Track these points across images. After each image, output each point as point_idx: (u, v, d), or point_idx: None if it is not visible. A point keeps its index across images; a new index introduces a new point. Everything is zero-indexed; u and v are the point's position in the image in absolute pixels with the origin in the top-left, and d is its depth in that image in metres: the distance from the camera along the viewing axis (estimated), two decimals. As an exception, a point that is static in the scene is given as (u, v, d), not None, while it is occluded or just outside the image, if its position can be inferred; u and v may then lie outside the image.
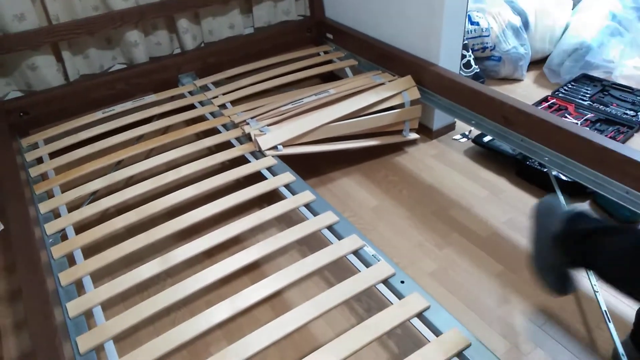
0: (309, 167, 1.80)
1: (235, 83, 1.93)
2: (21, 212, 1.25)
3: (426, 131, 1.93)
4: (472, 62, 2.19)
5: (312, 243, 1.46)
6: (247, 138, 1.61)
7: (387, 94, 1.73)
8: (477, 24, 2.23)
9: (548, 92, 2.14)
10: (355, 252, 1.16)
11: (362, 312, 1.25)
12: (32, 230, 1.18)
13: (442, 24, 1.66)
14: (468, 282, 1.31)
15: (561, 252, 1.00)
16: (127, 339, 1.22)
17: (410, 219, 1.54)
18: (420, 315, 0.99)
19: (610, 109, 1.96)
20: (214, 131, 1.69)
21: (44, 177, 1.51)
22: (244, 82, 1.94)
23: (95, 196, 1.47)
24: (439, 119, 1.90)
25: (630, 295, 0.91)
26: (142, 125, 1.70)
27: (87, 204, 1.43)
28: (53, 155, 1.60)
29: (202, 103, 1.85)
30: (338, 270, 1.37)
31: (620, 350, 1.02)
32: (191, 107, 1.84)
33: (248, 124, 1.65)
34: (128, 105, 1.84)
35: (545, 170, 1.56)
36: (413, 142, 1.91)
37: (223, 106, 1.81)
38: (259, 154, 1.54)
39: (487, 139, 1.79)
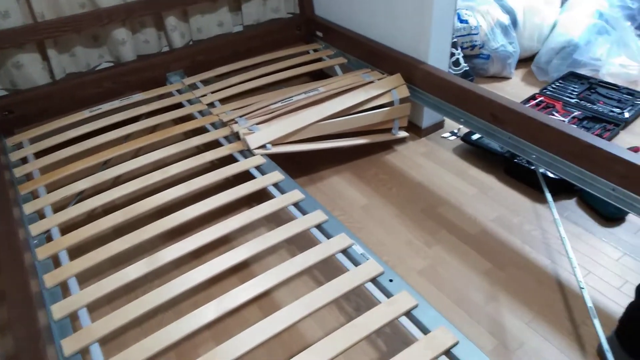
0: (299, 165, 1.80)
1: (224, 81, 1.92)
2: (5, 213, 1.23)
3: (415, 129, 1.93)
4: (461, 60, 2.19)
5: (301, 242, 1.46)
6: (236, 137, 1.60)
7: (377, 92, 1.73)
8: (466, 22, 2.23)
9: (536, 90, 2.16)
10: (344, 251, 1.15)
11: (351, 311, 1.25)
12: (16, 232, 1.16)
13: (431, 22, 1.66)
14: (457, 280, 1.32)
15: None
16: (113, 341, 1.21)
17: (399, 217, 1.54)
18: (408, 314, 0.99)
19: (597, 107, 1.97)
20: (202, 130, 1.67)
21: (28, 177, 1.49)
22: (233, 80, 1.92)
23: (82, 196, 1.45)
24: (428, 117, 1.90)
25: None
26: (129, 124, 1.68)
27: (73, 204, 1.41)
28: (38, 155, 1.58)
29: (190, 101, 1.84)
30: (327, 269, 1.37)
31: (605, 346, 1.03)
32: (179, 105, 1.82)
33: (237, 122, 1.64)
34: (115, 104, 1.82)
35: (533, 167, 1.57)
36: (402, 140, 1.91)
37: (211, 105, 1.80)
38: (247, 152, 1.53)
39: (475, 136, 1.79)
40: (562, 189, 1.57)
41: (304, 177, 1.74)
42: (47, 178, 1.46)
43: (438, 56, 1.76)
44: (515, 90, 2.22)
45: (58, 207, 1.37)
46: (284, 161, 1.71)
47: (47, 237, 1.25)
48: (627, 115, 1.91)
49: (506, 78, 2.33)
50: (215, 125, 1.68)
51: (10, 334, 1.08)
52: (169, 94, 1.90)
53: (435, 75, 1.66)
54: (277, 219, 1.55)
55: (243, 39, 2.13)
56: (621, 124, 1.86)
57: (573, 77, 2.20)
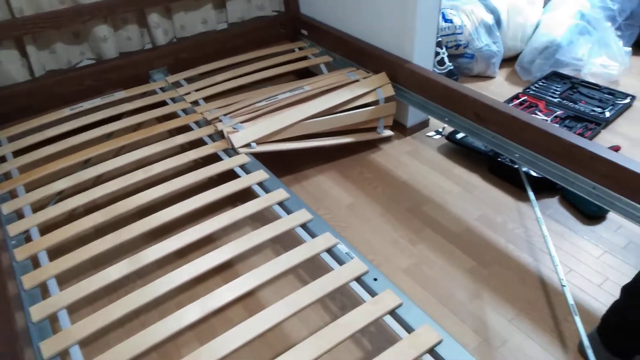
0: (284, 164, 1.79)
1: (208, 79, 1.90)
2: (-18, 213, 1.20)
3: (400, 128, 1.93)
4: (446, 60, 2.20)
5: (286, 241, 1.45)
6: (220, 135, 1.59)
7: (362, 90, 1.73)
8: (451, 21, 2.24)
9: (519, 90, 2.18)
10: (329, 250, 1.15)
11: (336, 310, 1.24)
12: (-6, 232, 1.13)
13: (416, 21, 1.66)
14: (441, 278, 1.32)
15: None
16: (95, 342, 1.19)
17: (384, 216, 1.54)
18: (392, 313, 0.99)
19: (579, 106, 2.00)
20: (186, 128, 1.65)
21: (7, 176, 1.46)
22: (217, 78, 1.91)
23: (62, 196, 1.42)
24: (413, 116, 1.91)
25: None
26: (111, 123, 1.66)
27: (53, 204, 1.38)
28: (17, 153, 1.54)
29: (173, 100, 1.81)
30: (312, 269, 1.36)
31: (586, 342, 1.04)
32: (163, 103, 1.80)
33: (221, 121, 1.62)
34: (97, 101, 1.79)
35: (516, 166, 1.58)
36: (387, 139, 1.91)
37: (195, 103, 1.78)
38: (232, 151, 1.52)
39: (460, 135, 1.80)
40: (544, 188, 1.59)
41: (289, 176, 1.74)
42: (26, 177, 1.43)
43: (423, 55, 1.77)
44: (499, 89, 2.24)
45: (37, 207, 1.34)
46: (268, 160, 1.70)
47: (26, 237, 1.23)
48: (608, 114, 1.94)
49: (490, 77, 2.35)
50: (199, 124, 1.67)
51: (-14, 337, 1.06)
52: (152, 92, 1.88)
53: (420, 75, 1.67)
54: (262, 218, 1.54)
55: (227, 36, 2.12)
56: (602, 123, 1.89)
57: (556, 76, 2.23)
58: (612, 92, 2.09)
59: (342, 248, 1.14)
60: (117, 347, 0.94)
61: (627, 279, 1.29)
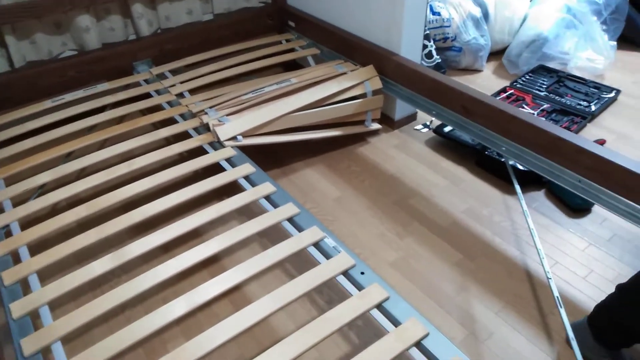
0: (271, 158, 1.77)
1: (193, 71, 1.88)
2: (-40, 208, 1.17)
3: (388, 121, 1.93)
4: (434, 53, 2.20)
5: (273, 235, 1.44)
6: (206, 128, 1.56)
7: (349, 83, 1.72)
8: (439, 14, 2.24)
9: (507, 83, 2.19)
10: (316, 244, 1.14)
11: (323, 304, 1.24)
12: (-27, 227, 1.11)
13: (404, 14, 1.65)
14: (428, 271, 1.32)
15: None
16: (79, 338, 1.17)
17: (372, 209, 1.54)
18: (379, 306, 0.99)
19: (565, 100, 2.01)
20: (170, 121, 1.63)
21: (-14, 169, 1.43)
22: (203, 70, 1.88)
23: (44, 190, 1.39)
24: (401, 109, 1.90)
25: None
26: (94, 115, 1.62)
27: (35, 198, 1.35)
28: (-3, 146, 1.51)
29: (158, 92, 1.78)
30: (299, 263, 1.35)
31: (570, 334, 1.05)
32: (147, 96, 1.77)
33: (206, 113, 1.60)
34: (79, 93, 1.75)
35: (503, 160, 1.59)
36: (375, 133, 1.91)
37: (180, 95, 1.75)
38: (217, 144, 1.50)
39: (447, 129, 1.80)
40: (531, 181, 1.60)
41: (276, 169, 1.72)
42: (6, 171, 1.40)
43: (411, 48, 1.76)
44: (486, 82, 2.25)
45: (18, 201, 1.32)
46: (255, 153, 1.69)
47: (6, 232, 1.20)
48: (593, 108, 1.96)
49: (478, 71, 2.36)
50: (184, 117, 1.64)
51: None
52: (136, 84, 1.85)
53: (408, 67, 1.66)
54: (249, 212, 1.53)
55: (213, 27, 2.09)
56: (588, 117, 1.91)
57: (542, 70, 2.24)
58: (598, 86, 2.10)
59: (329, 242, 1.14)
60: (102, 343, 0.92)
61: (611, 271, 1.31)
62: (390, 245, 1.41)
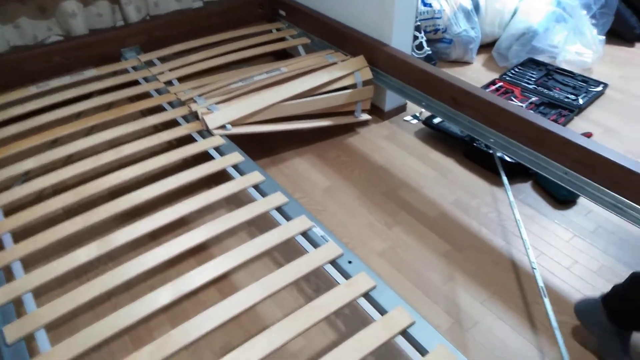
0: (260, 147, 1.76)
1: (182, 59, 1.86)
2: (-57, 194, 1.15)
3: (378, 112, 1.93)
4: (424, 44, 2.20)
5: (261, 224, 1.44)
6: (194, 116, 1.55)
7: (340, 73, 1.71)
8: (430, 5, 2.23)
9: (496, 76, 2.19)
10: (304, 233, 1.15)
11: (311, 292, 1.24)
12: (-45, 213, 1.09)
13: (395, 4, 1.65)
14: (415, 261, 1.33)
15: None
16: (63, 326, 1.16)
17: (361, 199, 1.54)
18: (366, 295, 0.99)
19: (554, 93, 2.03)
20: (159, 109, 1.61)
21: (-30, 155, 1.40)
22: (192, 58, 1.86)
23: (29, 176, 1.38)
24: (391, 100, 1.90)
25: None
26: (81, 102, 1.60)
27: (19, 184, 1.33)
28: (-19, 132, 1.48)
29: (146, 79, 1.76)
30: (287, 251, 1.36)
31: (554, 324, 1.07)
32: (135, 83, 1.75)
33: (195, 101, 1.59)
34: (65, 80, 1.72)
35: (491, 151, 1.60)
36: (365, 123, 1.90)
37: (169, 83, 1.74)
38: (206, 133, 1.49)
39: (437, 120, 1.81)
40: (518, 173, 1.61)
41: (265, 158, 1.72)
42: (-10, 157, 1.37)
43: (401, 39, 1.76)
44: (476, 75, 2.26)
45: (2, 188, 1.29)
46: (244, 142, 1.68)
47: (-10, 219, 1.18)
48: (581, 101, 1.97)
49: (468, 63, 2.36)
50: (172, 104, 1.63)
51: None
52: (124, 71, 1.82)
53: (399, 58, 1.66)
54: (237, 201, 1.52)
55: (203, 15, 2.06)
56: (575, 110, 1.92)
57: (532, 63, 2.25)
58: (586, 80, 2.12)
59: (318, 231, 1.14)
60: (87, 330, 0.92)
61: (595, 262, 1.33)
62: (378, 235, 1.41)
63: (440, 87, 1.54)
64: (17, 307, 0.97)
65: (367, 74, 1.76)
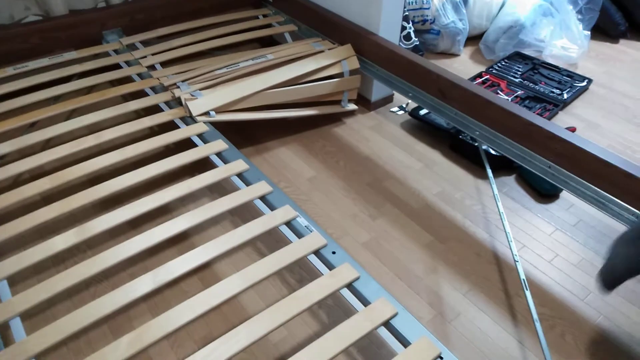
0: (245, 135, 1.74)
1: (166, 43, 1.81)
2: None
3: (365, 102, 1.92)
4: (412, 35, 2.19)
5: (244, 213, 1.42)
6: (177, 102, 1.52)
7: (327, 62, 1.69)
8: (418, -5, 2.22)
9: (483, 68, 2.20)
10: (288, 223, 1.13)
11: (294, 283, 1.24)
12: None
13: (383, -7, 1.63)
14: (399, 253, 1.33)
15: None
16: (40, 314, 1.13)
17: (345, 190, 1.53)
18: (349, 286, 0.99)
19: (539, 87, 2.04)
20: (141, 94, 1.58)
21: (-58, 138, 1.35)
22: (176, 42, 1.82)
23: (5, 161, 1.34)
24: (378, 90, 1.89)
25: None
26: (60, 85, 1.55)
27: (-5, 169, 1.29)
28: (-46, 114, 1.43)
29: (128, 63, 1.72)
30: (270, 241, 1.34)
31: (535, 316, 1.08)
32: (116, 67, 1.71)
33: (178, 87, 1.55)
34: (44, 62, 1.67)
35: (477, 144, 1.60)
36: (351, 113, 1.89)
37: (152, 67, 1.70)
38: (189, 119, 1.46)
39: (423, 112, 1.80)
40: (502, 166, 1.62)
41: (249, 147, 1.69)
42: (-36, 140, 1.33)
43: (389, 28, 1.74)
44: (463, 67, 2.25)
45: (-24, 172, 1.25)
46: (228, 130, 1.66)
47: (-37, 204, 1.14)
48: (566, 96, 1.99)
49: (455, 55, 2.36)
50: (155, 90, 1.59)
51: None
52: (105, 54, 1.77)
53: (386, 48, 1.64)
54: (220, 189, 1.50)
55: (188, -1, 2.02)
56: (560, 105, 1.94)
57: (518, 57, 2.26)
58: (571, 75, 2.14)
59: (302, 221, 1.13)
60: (65, 319, 0.89)
61: (575, 255, 1.35)
62: (362, 226, 1.41)
63: (428, 79, 1.53)
64: (-10, 295, 0.94)
65: (354, 63, 1.74)
